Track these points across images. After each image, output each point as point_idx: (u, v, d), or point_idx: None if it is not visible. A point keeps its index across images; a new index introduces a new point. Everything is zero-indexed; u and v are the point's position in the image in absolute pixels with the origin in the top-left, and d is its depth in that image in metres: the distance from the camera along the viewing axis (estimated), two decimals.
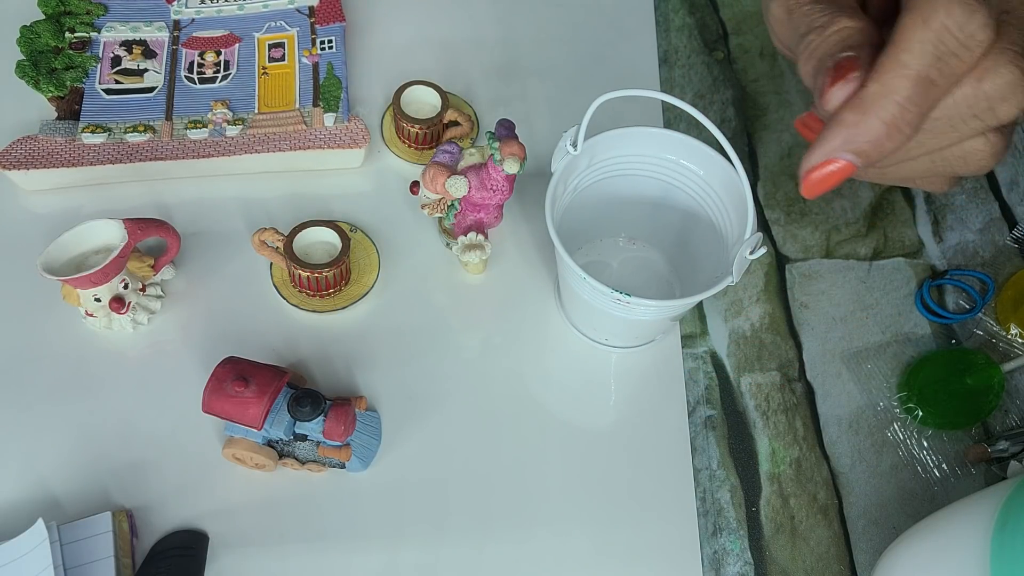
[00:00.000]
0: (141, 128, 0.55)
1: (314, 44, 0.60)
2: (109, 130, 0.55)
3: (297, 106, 0.57)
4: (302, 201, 0.56)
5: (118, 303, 0.48)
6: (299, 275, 0.50)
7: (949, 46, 0.30)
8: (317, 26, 0.61)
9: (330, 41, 0.60)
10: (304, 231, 0.50)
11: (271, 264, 0.53)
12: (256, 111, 0.57)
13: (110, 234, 0.48)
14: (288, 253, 0.49)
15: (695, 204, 0.49)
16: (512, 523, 0.47)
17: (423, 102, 0.57)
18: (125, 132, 0.55)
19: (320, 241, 0.51)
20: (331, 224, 0.51)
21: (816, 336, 0.54)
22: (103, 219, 0.48)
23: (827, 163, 0.33)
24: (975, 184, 0.60)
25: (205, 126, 0.56)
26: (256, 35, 0.60)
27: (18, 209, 0.54)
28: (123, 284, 0.49)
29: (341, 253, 0.50)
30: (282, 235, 0.50)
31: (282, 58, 0.59)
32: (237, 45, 0.60)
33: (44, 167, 0.53)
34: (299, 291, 0.52)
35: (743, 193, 0.42)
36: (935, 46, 0.30)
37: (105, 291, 0.48)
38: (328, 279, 0.50)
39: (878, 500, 0.49)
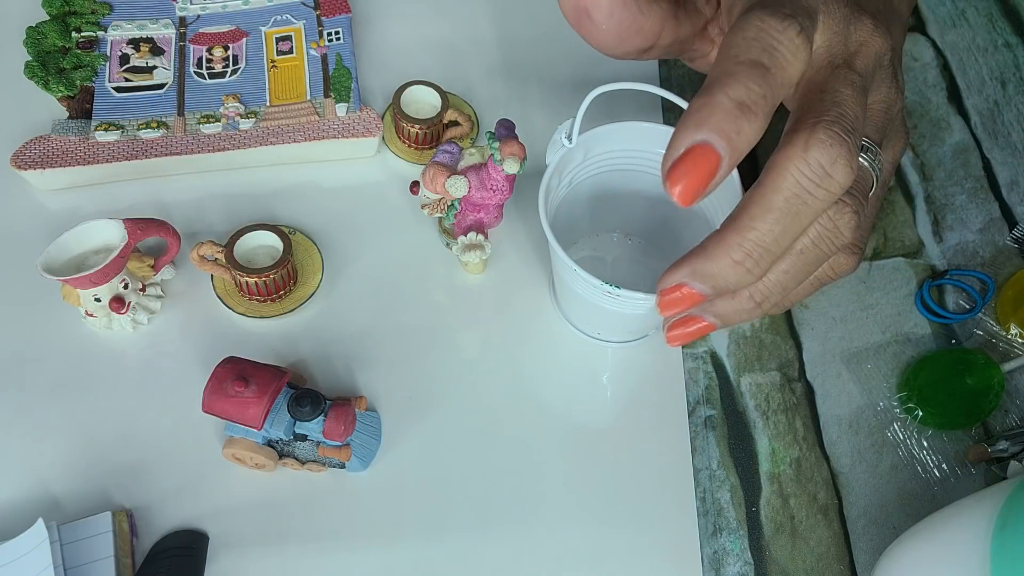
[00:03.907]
0: (154, 124, 0.56)
1: (321, 36, 0.60)
2: (122, 127, 0.55)
3: (308, 98, 0.57)
4: (302, 200, 0.56)
5: (118, 303, 0.48)
6: (245, 282, 0.49)
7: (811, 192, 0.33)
8: (323, 18, 0.61)
9: (337, 32, 0.60)
10: (241, 238, 0.50)
11: (211, 276, 0.52)
12: (268, 104, 0.57)
13: (110, 234, 0.48)
14: (231, 262, 0.49)
15: None
16: (512, 523, 0.47)
17: (423, 102, 0.57)
18: (138, 129, 0.55)
19: (260, 246, 0.51)
20: (269, 227, 0.51)
21: (816, 336, 0.54)
22: (103, 219, 0.48)
23: (688, 322, 0.40)
24: (975, 184, 0.60)
25: (218, 120, 0.56)
26: (263, 29, 0.61)
27: (19, 209, 0.54)
28: (123, 284, 0.49)
29: (284, 253, 0.49)
30: (220, 246, 0.50)
31: (290, 51, 0.60)
32: (244, 39, 0.60)
33: (60, 166, 0.53)
34: (248, 298, 0.51)
35: (737, 189, 0.42)
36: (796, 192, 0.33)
37: (105, 291, 0.48)
38: (276, 281, 0.50)
39: (878, 500, 0.49)
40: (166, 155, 0.54)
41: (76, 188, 0.55)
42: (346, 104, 0.57)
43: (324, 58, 0.59)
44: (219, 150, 0.55)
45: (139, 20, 0.60)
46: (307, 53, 0.59)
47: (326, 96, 0.58)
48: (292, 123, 0.56)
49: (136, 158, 0.54)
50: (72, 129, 0.55)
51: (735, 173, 0.42)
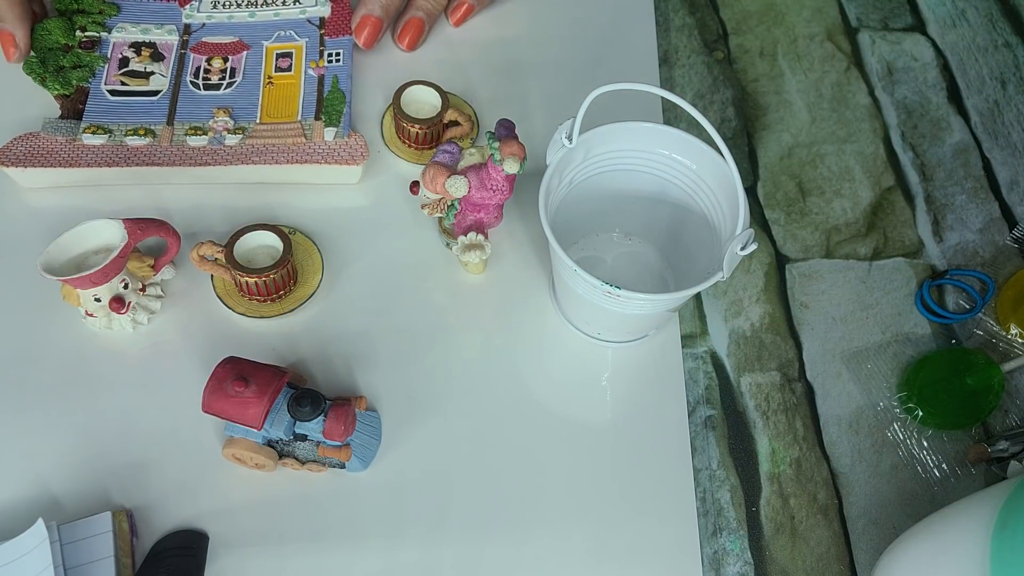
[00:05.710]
0: (142, 132, 0.55)
1: (322, 56, 0.60)
2: (110, 132, 0.55)
3: (299, 118, 0.57)
4: (302, 201, 0.56)
5: (118, 303, 0.48)
6: (245, 282, 0.50)
7: None
8: (327, 38, 0.61)
9: (338, 54, 0.60)
10: (241, 238, 0.50)
11: (211, 276, 0.52)
12: (258, 121, 0.57)
13: (110, 234, 0.48)
14: (231, 262, 0.49)
15: (689, 199, 0.49)
16: (512, 523, 0.47)
17: (423, 102, 0.57)
18: (125, 135, 0.55)
19: (260, 246, 0.51)
20: (269, 227, 0.51)
21: (816, 336, 0.54)
22: (103, 219, 0.48)
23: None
24: (975, 184, 0.60)
25: (205, 133, 0.56)
26: (265, 43, 0.60)
27: (18, 207, 0.54)
28: (123, 284, 0.49)
29: (284, 253, 0.49)
30: (220, 246, 0.50)
31: (288, 68, 0.59)
32: (245, 53, 0.60)
33: (42, 166, 0.53)
34: (248, 298, 0.51)
35: (735, 187, 0.42)
36: None
37: (105, 291, 0.48)
38: (276, 281, 0.50)
39: (878, 500, 0.49)
40: (148, 164, 0.54)
41: (74, 187, 0.55)
42: (335, 128, 0.56)
43: (321, 79, 0.59)
44: (200, 164, 0.54)
45: (144, 24, 0.60)
46: (305, 72, 0.59)
47: (316, 118, 0.57)
48: (278, 143, 0.55)
49: (118, 165, 0.54)
50: (61, 129, 0.55)
51: (735, 174, 0.41)
